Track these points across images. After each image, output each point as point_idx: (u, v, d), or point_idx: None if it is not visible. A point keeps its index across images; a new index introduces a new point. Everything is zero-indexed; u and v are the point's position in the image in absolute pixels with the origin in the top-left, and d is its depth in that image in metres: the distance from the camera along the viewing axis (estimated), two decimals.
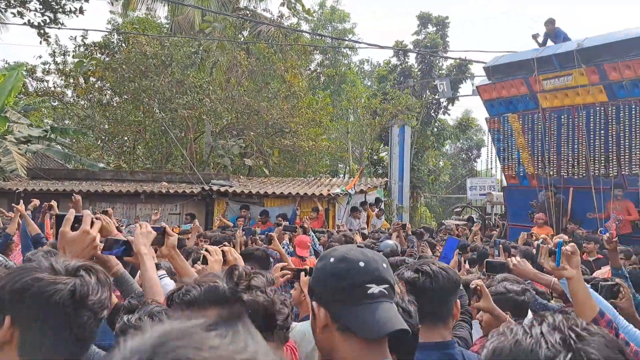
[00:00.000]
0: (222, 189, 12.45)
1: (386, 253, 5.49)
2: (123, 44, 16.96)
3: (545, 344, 0.79)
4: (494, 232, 9.57)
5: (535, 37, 11.62)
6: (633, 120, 9.64)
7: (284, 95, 16.02)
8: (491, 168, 14.75)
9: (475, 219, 16.69)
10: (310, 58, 20.17)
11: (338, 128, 23.91)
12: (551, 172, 11.11)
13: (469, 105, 60.50)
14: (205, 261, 2.43)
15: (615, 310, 2.58)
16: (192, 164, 14.85)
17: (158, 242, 2.47)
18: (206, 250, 2.45)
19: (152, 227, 2.46)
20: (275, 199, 12.45)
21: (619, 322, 2.48)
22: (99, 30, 37.01)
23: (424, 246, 7.13)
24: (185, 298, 1.45)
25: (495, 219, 15.91)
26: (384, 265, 1.37)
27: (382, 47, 23.38)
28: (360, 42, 22.79)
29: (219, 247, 2.60)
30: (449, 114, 24.24)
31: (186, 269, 2.46)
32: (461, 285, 3.42)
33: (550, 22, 11.36)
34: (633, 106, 9.60)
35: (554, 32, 11.29)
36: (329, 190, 12.31)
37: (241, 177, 14.95)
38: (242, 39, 18.45)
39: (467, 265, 5.51)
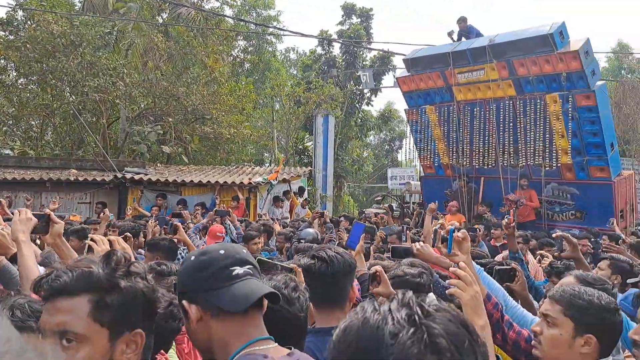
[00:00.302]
0: (137, 177, 11.91)
1: (308, 240, 5.51)
2: (28, 22, 15.69)
3: (392, 320, 0.81)
4: (407, 219, 9.96)
5: (450, 34, 12.02)
6: (538, 114, 10.23)
7: (204, 80, 15.52)
8: (412, 159, 15.20)
9: (394, 208, 17.21)
10: (232, 44, 19.69)
11: (263, 116, 23.66)
12: (464, 163, 11.59)
13: (392, 97, 61.98)
14: (91, 251, 2.28)
15: (507, 293, 2.69)
16: (106, 151, 14.08)
17: (41, 229, 2.32)
18: (92, 239, 2.29)
19: (35, 214, 2.31)
20: (193, 188, 12.10)
21: (508, 303, 2.59)
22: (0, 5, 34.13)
23: (342, 232, 7.25)
24: (54, 284, 1.33)
25: (413, 207, 16.44)
26: (244, 251, 1.49)
27: (305, 36, 23.45)
28: (284, 30, 22.58)
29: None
30: (372, 105, 24.71)
31: (73, 259, 2.30)
32: (366, 269, 3.46)
33: (462, 20, 11.79)
34: (538, 100, 10.18)
35: (466, 29, 11.72)
36: (250, 179, 12.13)
37: (158, 164, 14.38)
38: (161, 21, 17.67)
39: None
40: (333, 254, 2.13)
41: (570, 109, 9.76)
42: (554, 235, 4.52)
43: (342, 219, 10.03)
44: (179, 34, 16.16)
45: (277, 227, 8.11)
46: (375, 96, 24.18)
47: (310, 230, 6.38)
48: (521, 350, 1.97)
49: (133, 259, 1.48)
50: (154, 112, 15.70)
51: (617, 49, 27.28)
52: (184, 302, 1.40)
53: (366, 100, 23.88)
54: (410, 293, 0.88)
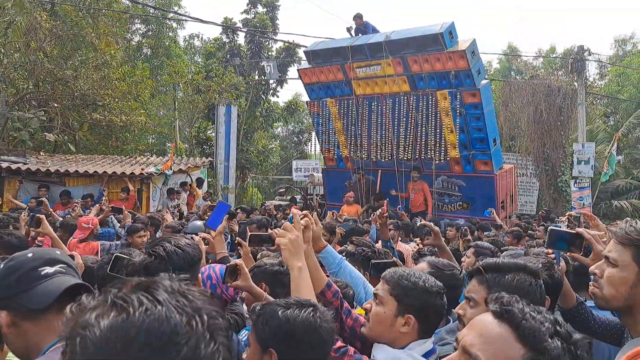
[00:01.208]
0: (14, 167, 10.89)
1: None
2: None
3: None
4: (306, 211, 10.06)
5: (349, 30, 12.20)
6: (430, 109, 10.67)
7: (94, 64, 14.47)
8: (321, 151, 15.34)
9: (298, 200, 17.31)
10: (127, 27, 18.55)
11: (165, 104, 22.69)
12: (363, 155, 11.85)
13: (299, 89, 62.27)
14: None
15: (367, 280, 2.72)
16: None
17: None
18: None
19: None
20: (79, 178, 11.26)
21: (368, 290, 2.62)
22: None
23: (233, 224, 7.09)
24: None
25: (316, 199, 16.63)
26: (57, 252, 1.53)
27: (204, 22, 22.85)
28: (183, 15, 21.70)
29: None
30: (278, 96, 24.59)
31: None
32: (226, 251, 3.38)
33: (358, 17, 12.01)
34: (430, 97, 10.62)
35: (363, 26, 11.94)
36: (142, 169, 11.53)
37: (42, 153, 13.23)
38: None
39: None
40: (172, 248, 2.00)
41: (458, 106, 10.28)
42: (417, 224, 4.73)
43: (238, 211, 9.86)
44: (66, 14, 14.92)
45: (168, 217, 7.73)
46: (282, 87, 24.09)
47: (198, 223, 6.12)
48: (357, 336, 1.99)
49: None
50: (37, 96, 14.41)
51: (508, 51, 29.32)
52: None
53: (272, 91, 23.73)
54: (177, 283, 0.80)
